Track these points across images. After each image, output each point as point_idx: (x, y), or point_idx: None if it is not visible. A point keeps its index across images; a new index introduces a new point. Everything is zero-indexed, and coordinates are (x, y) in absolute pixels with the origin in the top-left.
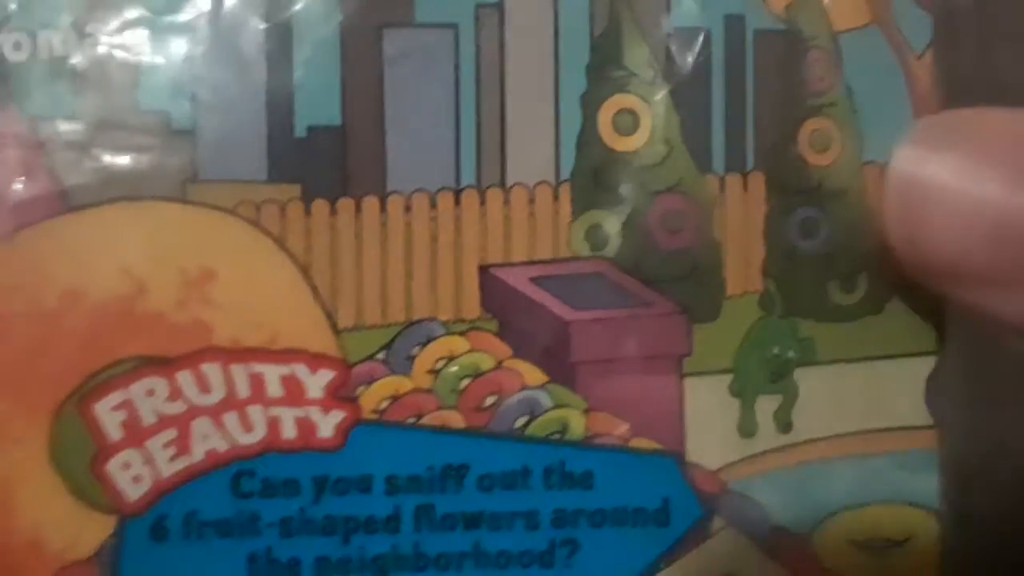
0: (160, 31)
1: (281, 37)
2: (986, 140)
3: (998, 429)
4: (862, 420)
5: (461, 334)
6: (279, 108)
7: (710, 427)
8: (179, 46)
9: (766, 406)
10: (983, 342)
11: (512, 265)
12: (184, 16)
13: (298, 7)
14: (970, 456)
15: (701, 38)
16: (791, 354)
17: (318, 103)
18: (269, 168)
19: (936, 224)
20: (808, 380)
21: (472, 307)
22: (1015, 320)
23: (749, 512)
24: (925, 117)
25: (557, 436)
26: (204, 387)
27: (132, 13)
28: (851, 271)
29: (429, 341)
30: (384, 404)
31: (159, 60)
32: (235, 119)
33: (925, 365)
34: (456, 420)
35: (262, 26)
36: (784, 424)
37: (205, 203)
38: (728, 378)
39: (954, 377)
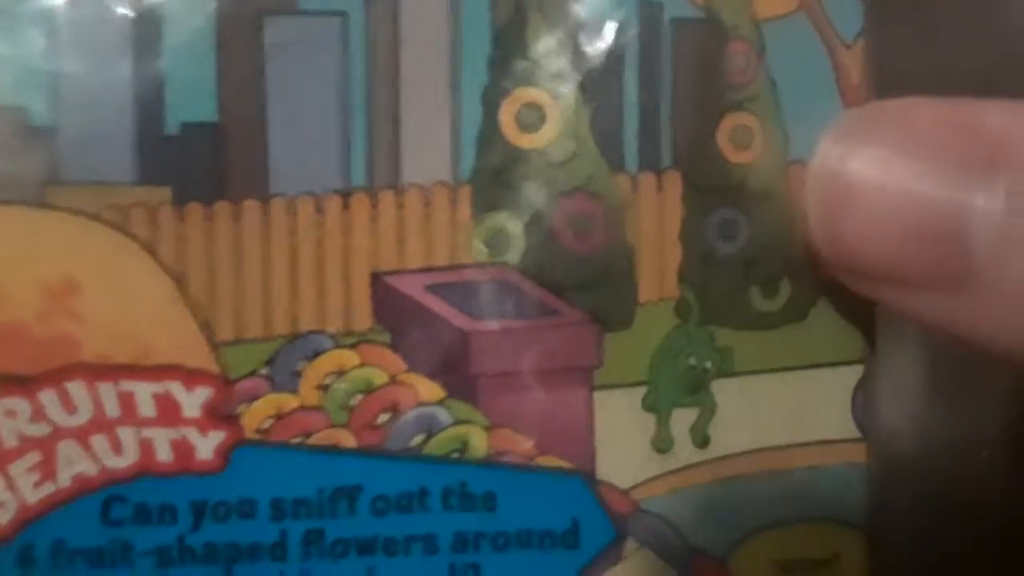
0: (14, 19)
1: (150, 25)
2: (908, 132)
3: (929, 438)
4: (784, 434)
5: (351, 347)
6: (148, 103)
7: (622, 443)
8: (36, 36)
9: (682, 420)
10: (914, 347)
11: (406, 272)
12: (41, 3)
13: None
14: (898, 470)
15: (614, 26)
16: (708, 364)
17: (191, 97)
18: (137, 169)
19: (858, 222)
20: (726, 392)
21: (363, 318)
22: (940, 321)
23: (664, 533)
24: (849, 109)
25: (457, 455)
26: (70, 407)
27: None
28: (773, 276)
29: (316, 355)
30: (268, 423)
31: (13, 51)
32: (99, 115)
33: (852, 375)
34: (347, 439)
35: (128, 13)
36: (701, 439)
37: (67, 207)
38: (641, 391)
39: (883, 385)
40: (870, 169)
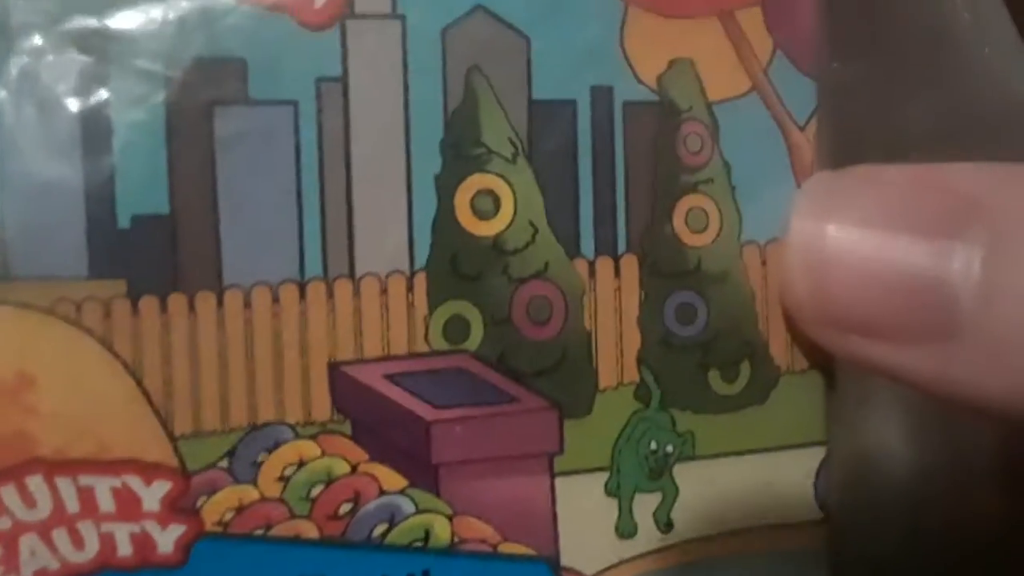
0: None
1: (98, 118)
2: (881, 195)
3: (891, 518)
4: (747, 517)
5: (311, 438)
6: (99, 196)
7: (586, 529)
8: None
9: (645, 505)
10: (876, 426)
11: (365, 362)
12: None
13: (115, 84)
14: (862, 551)
15: (566, 111)
16: (670, 449)
17: (143, 190)
18: (90, 263)
19: (841, 285)
20: (688, 476)
21: (322, 408)
22: (928, 376)
23: None
24: (819, 174)
25: (420, 544)
26: (29, 502)
27: None
28: (732, 359)
29: (276, 446)
30: (229, 516)
31: None
32: (50, 209)
33: (814, 456)
34: (309, 530)
35: (77, 108)
36: (664, 524)
37: (19, 302)
38: (603, 476)
39: (845, 465)
40: (848, 233)
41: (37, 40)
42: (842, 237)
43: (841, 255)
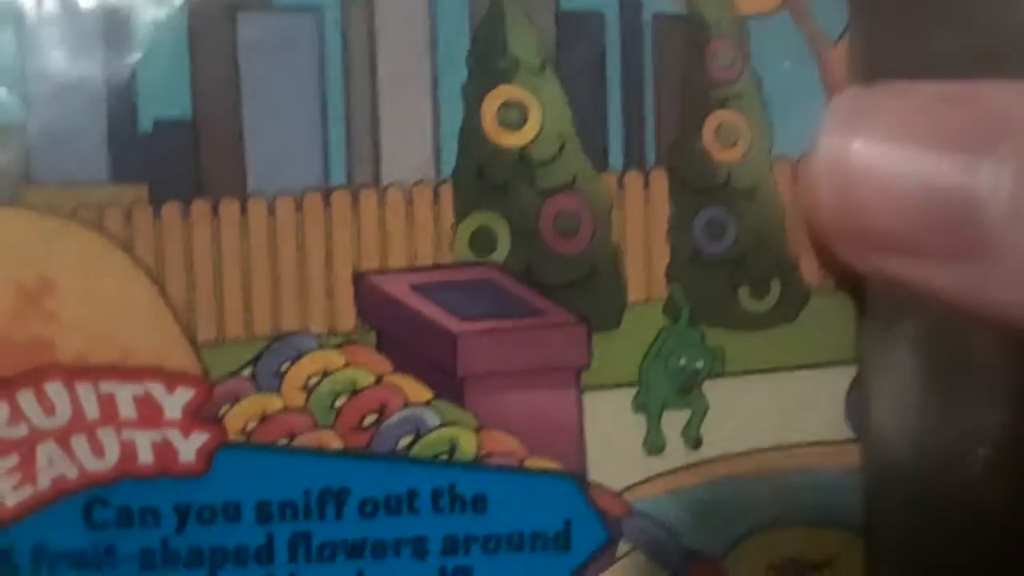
0: None
1: (120, 21)
2: (912, 109)
3: (923, 440)
4: (777, 435)
5: (336, 348)
6: (120, 100)
7: (613, 445)
8: (4, 31)
9: (673, 421)
10: (907, 348)
11: (390, 272)
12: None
13: None
14: (893, 472)
15: (594, 23)
16: (699, 365)
17: (165, 94)
18: (111, 167)
19: (871, 199)
20: (718, 393)
21: (347, 318)
22: (956, 292)
23: (657, 535)
24: (848, 90)
25: (445, 457)
26: (48, 408)
27: None
28: (762, 276)
29: (300, 356)
30: (252, 425)
31: None
32: (71, 112)
33: (845, 375)
34: (333, 441)
35: (98, 9)
36: (693, 440)
37: (40, 207)
38: (632, 392)
39: (877, 387)
40: (875, 148)
41: None
42: (869, 152)
43: (868, 169)
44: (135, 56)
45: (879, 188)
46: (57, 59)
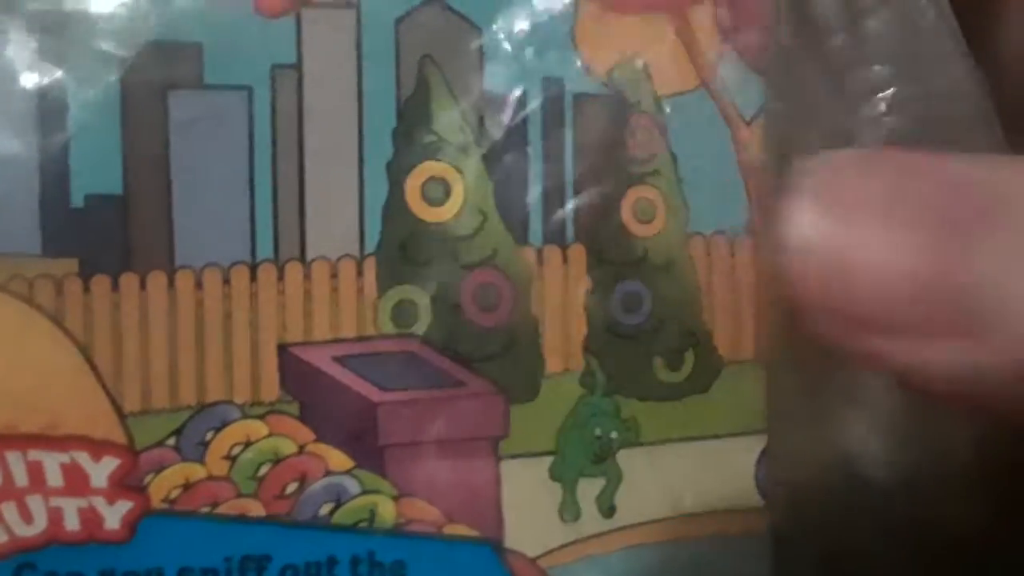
0: None
1: (54, 98)
2: (898, 184)
3: (830, 506)
4: (689, 503)
5: (259, 417)
6: (53, 175)
7: (530, 512)
8: None
9: (589, 489)
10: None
11: (314, 344)
12: None
13: (72, 66)
14: (801, 537)
15: (516, 102)
16: (614, 435)
17: (97, 170)
18: (43, 241)
19: (859, 280)
20: (632, 461)
21: (271, 389)
22: (953, 375)
23: None
24: (811, 163)
25: (365, 524)
26: None
27: None
28: (677, 347)
29: (224, 425)
30: (175, 493)
31: None
32: (4, 187)
33: (755, 444)
34: (256, 509)
35: (32, 85)
36: (608, 508)
37: None
38: (548, 460)
39: (781, 456)
40: (865, 227)
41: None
42: (856, 232)
43: (856, 250)
44: (68, 132)
45: (869, 269)
46: None
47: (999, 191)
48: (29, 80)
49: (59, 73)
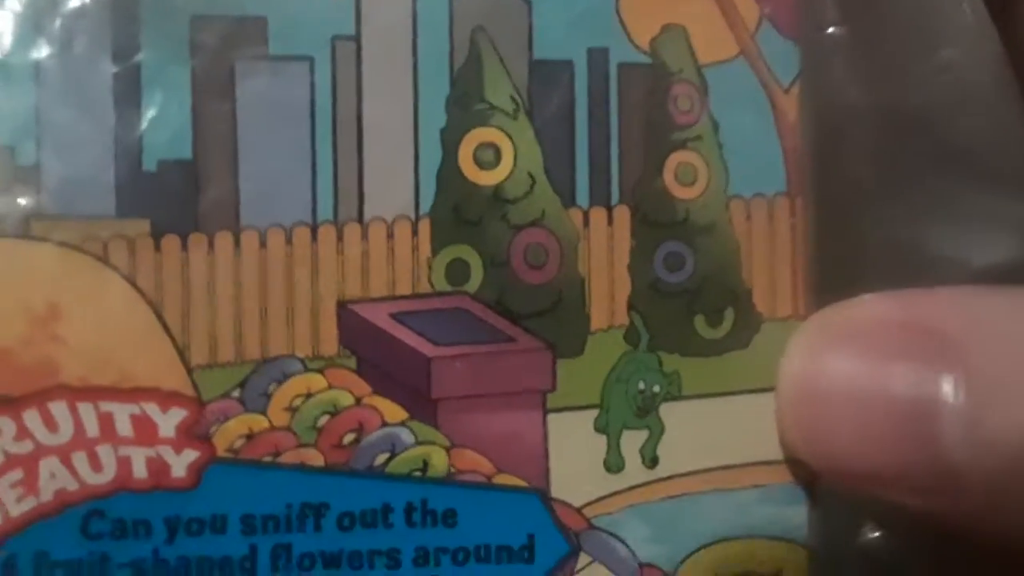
0: (5, 69)
1: (130, 77)
2: (864, 343)
3: None
4: (728, 455)
5: (319, 371)
6: (128, 143)
7: (575, 463)
8: (25, 84)
9: (632, 441)
10: None
11: (371, 301)
12: (32, 55)
13: (146, 40)
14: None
15: (564, 71)
16: (657, 389)
17: (168, 138)
18: (117, 203)
19: (837, 437)
20: (674, 415)
21: (330, 344)
22: (937, 515)
23: (615, 548)
24: (804, 324)
25: (419, 473)
26: (52, 426)
27: None
28: (717, 306)
29: (286, 378)
30: (239, 443)
31: (4, 97)
32: (82, 155)
33: None
34: (315, 458)
35: (112, 69)
36: (650, 459)
37: (51, 239)
38: (593, 414)
39: None
40: (836, 384)
41: (77, 1)
42: (831, 388)
43: (832, 407)
44: (141, 101)
45: (843, 423)
46: (72, 109)
47: (958, 329)
48: (105, 55)
49: (135, 50)
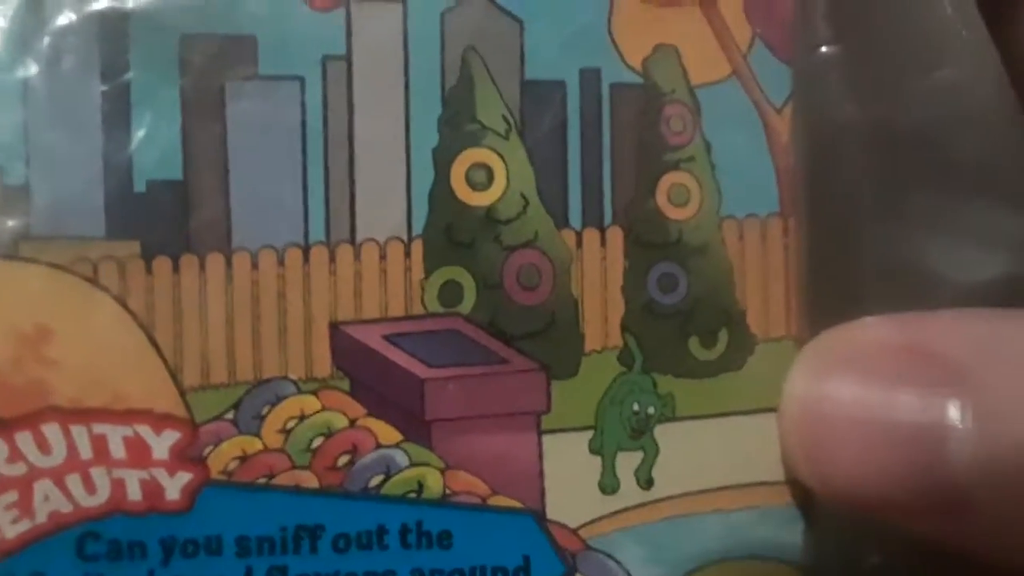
0: None
1: (119, 96)
2: (865, 368)
3: None
4: (723, 476)
5: (312, 393)
6: (117, 163)
7: (570, 484)
8: (13, 104)
9: (627, 463)
10: None
11: (364, 323)
12: (19, 74)
13: (135, 60)
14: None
15: (556, 91)
16: (651, 410)
17: (158, 158)
18: (107, 224)
19: (841, 465)
20: (669, 436)
21: (323, 365)
22: (944, 541)
23: (611, 569)
24: (809, 344)
25: (414, 495)
26: (45, 448)
27: None
28: (711, 327)
29: (279, 400)
30: (233, 465)
31: None
32: (71, 175)
33: None
34: (309, 480)
35: (100, 87)
36: (645, 481)
37: (40, 260)
38: (588, 435)
39: None
40: (840, 409)
41: (65, 19)
42: (834, 414)
43: (836, 433)
44: (131, 122)
45: (848, 450)
46: (61, 128)
47: (962, 354)
48: (93, 74)
49: (124, 69)
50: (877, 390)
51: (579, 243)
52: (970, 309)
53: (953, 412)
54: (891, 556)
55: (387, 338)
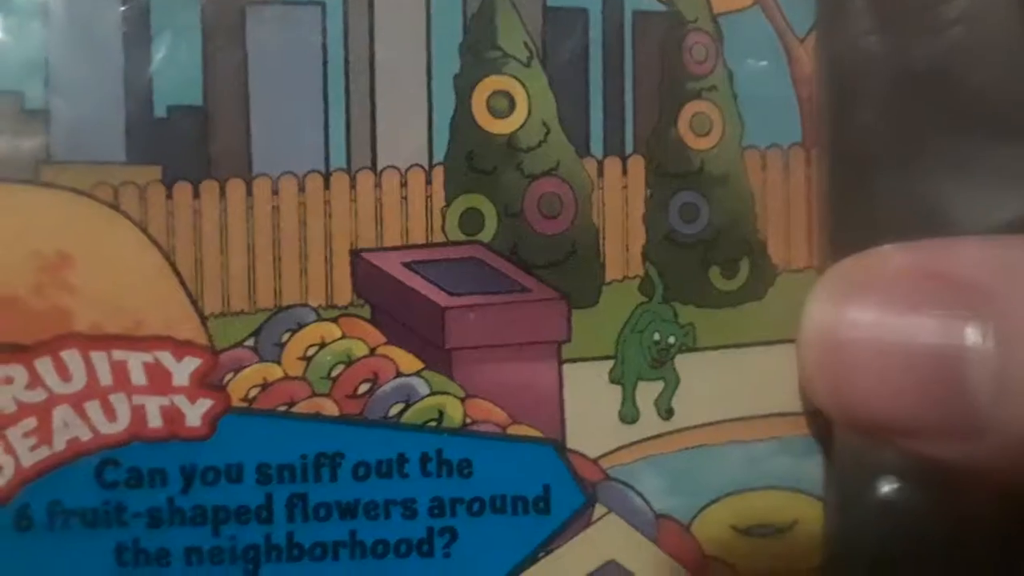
0: (15, 11)
1: (139, 18)
2: (887, 291)
3: None
4: (744, 406)
5: (333, 320)
6: (138, 87)
7: (590, 414)
8: (33, 26)
9: (647, 393)
10: None
11: (385, 250)
12: None
13: None
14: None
15: (579, 18)
16: (672, 340)
17: (179, 82)
18: (127, 149)
19: (860, 387)
20: (689, 366)
21: (344, 293)
22: (958, 465)
23: (631, 499)
24: (829, 270)
25: (434, 423)
26: (64, 375)
27: None
28: (732, 257)
29: (300, 328)
30: (254, 392)
31: (13, 40)
32: (91, 99)
33: None
34: (329, 408)
35: (120, 8)
36: (665, 411)
37: (60, 185)
38: (608, 364)
39: None
40: (860, 334)
41: None
42: (855, 337)
43: (856, 356)
44: (152, 46)
45: (868, 371)
46: (81, 52)
47: (986, 278)
48: (116, 4)
49: None
50: (897, 314)
51: (600, 172)
52: (990, 236)
53: (974, 335)
54: (910, 486)
55: (408, 265)
